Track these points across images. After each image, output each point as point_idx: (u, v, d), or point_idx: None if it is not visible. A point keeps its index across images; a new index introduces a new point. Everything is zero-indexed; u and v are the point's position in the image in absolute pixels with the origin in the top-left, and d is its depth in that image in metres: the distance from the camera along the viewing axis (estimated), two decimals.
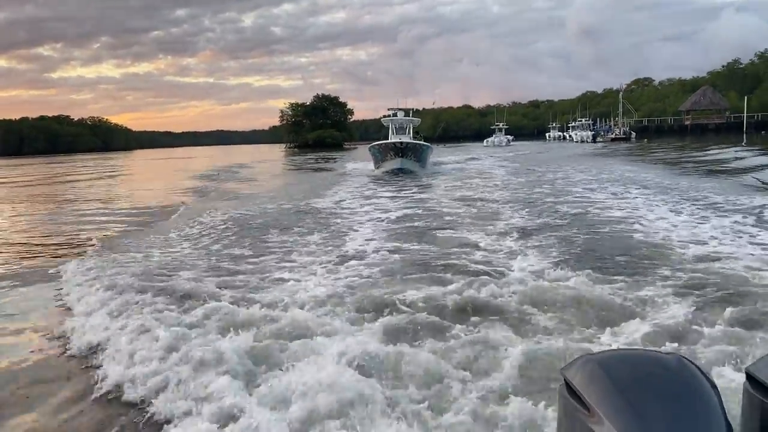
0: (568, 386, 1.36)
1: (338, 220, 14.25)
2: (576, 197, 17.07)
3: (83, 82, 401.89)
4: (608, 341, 5.33)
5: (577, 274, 7.55)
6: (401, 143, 29.40)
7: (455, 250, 9.82)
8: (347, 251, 10.06)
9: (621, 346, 5.04)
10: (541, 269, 8.08)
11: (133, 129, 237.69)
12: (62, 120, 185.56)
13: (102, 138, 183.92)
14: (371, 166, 33.18)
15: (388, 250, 9.92)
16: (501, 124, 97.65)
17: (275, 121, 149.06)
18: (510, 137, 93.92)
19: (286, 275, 8.39)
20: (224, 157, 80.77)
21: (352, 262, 9.07)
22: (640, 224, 11.69)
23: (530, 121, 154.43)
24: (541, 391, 4.30)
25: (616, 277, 7.51)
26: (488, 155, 52.43)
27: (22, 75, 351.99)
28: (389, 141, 30.98)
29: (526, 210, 14.69)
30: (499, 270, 8.17)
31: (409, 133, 33.47)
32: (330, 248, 10.47)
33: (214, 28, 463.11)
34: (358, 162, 43.26)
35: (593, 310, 6.19)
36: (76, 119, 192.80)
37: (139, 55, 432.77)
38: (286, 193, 23.28)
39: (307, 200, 18.86)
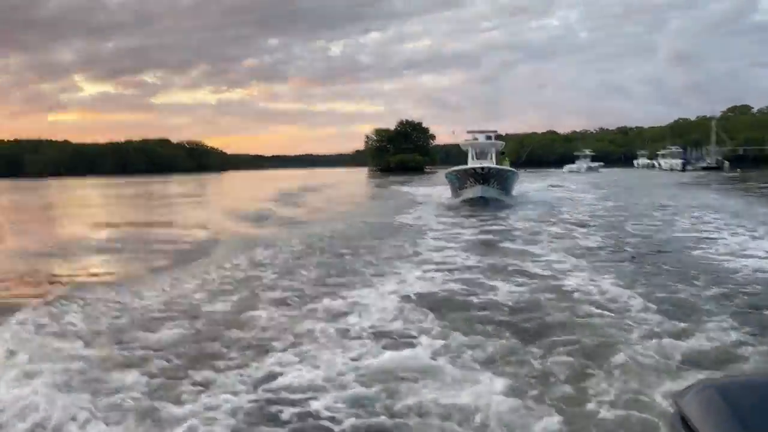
0: (683, 418, 1.14)
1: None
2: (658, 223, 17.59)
3: (181, 107, 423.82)
4: (714, 367, 5.13)
5: (658, 296, 7.91)
6: (482, 169, 26.05)
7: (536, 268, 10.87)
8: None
9: (736, 373, 4.62)
10: (618, 289, 8.45)
11: (227, 152, 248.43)
12: (163, 143, 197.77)
13: (198, 160, 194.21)
14: (449, 193, 30.27)
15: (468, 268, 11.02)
16: (587, 150, 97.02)
17: (359, 145, 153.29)
18: (598, 164, 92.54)
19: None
20: (311, 177, 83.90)
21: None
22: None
23: (617, 148, 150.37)
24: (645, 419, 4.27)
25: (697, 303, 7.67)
26: (572, 181, 52.03)
27: (127, 100, 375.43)
28: (468, 167, 27.53)
29: (607, 233, 15.31)
30: (582, 290, 8.56)
31: (491, 158, 29.72)
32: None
33: (304, 57, 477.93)
34: (436, 186, 40.37)
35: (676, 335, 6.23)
36: (175, 142, 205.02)
37: (234, 82, 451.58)
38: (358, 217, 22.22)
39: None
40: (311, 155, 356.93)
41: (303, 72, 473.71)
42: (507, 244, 13.20)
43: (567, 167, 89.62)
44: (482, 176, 25.98)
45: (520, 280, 9.24)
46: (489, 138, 31.37)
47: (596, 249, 12.48)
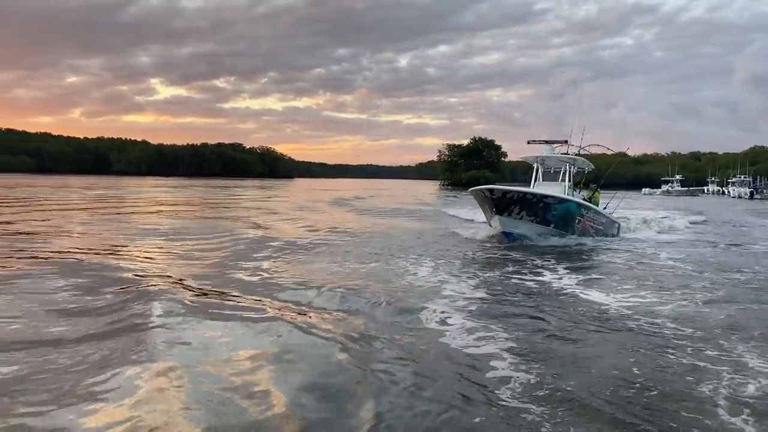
0: None
1: None
2: None
3: (250, 113, 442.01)
4: None
5: None
6: (492, 192, 17.34)
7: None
8: None
9: None
10: None
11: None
12: (236, 147, 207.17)
13: (269, 165, 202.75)
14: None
15: None
16: (678, 176, 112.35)
17: (421, 158, 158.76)
18: (699, 188, 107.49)
19: None
20: (389, 188, 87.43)
21: None
22: None
23: (689, 173, 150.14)
24: None
25: None
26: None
27: (198, 104, 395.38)
28: (481, 188, 17.99)
29: None
30: None
31: (566, 179, 20.02)
32: None
33: (371, 68, 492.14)
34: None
35: None
36: (247, 147, 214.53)
37: (301, 90, 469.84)
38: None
39: None
40: (373, 165, 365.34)
41: (369, 83, 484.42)
42: None
43: (645, 190, 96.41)
44: (494, 202, 17.40)
45: None
46: (559, 151, 21.07)
47: None
